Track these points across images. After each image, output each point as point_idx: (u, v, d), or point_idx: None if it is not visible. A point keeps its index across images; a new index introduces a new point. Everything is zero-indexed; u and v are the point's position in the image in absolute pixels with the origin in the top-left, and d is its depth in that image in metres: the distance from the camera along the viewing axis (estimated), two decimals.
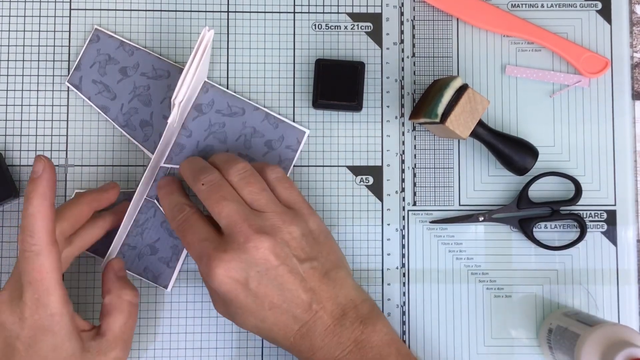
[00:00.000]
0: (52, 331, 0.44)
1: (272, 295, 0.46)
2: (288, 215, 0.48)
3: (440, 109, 0.51)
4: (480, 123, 0.53)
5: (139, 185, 0.52)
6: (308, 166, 0.56)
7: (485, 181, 0.57)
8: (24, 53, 0.56)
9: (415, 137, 0.57)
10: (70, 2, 0.57)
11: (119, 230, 0.52)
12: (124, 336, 0.48)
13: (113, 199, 0.52)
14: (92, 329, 0.48)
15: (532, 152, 0.54)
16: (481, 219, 0.56)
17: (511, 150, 0.53)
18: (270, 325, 0.47)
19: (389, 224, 0.56)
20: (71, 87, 0.55)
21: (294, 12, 0.57)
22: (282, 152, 0.55)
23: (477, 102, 0.51)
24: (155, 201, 0.54)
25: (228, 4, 0.57)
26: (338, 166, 0.56)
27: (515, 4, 0.58)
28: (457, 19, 0.57)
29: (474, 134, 0.53)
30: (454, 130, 0.51)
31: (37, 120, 0.56)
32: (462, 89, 0.51)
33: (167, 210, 0.51)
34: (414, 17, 0.57)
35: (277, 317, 0.46)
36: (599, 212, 0.56)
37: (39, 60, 0.56)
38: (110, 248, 0.52)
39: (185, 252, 0.54)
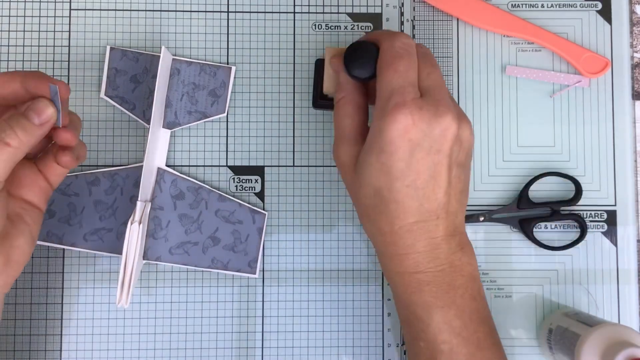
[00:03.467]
0: None
1: (420, 176, 0.43)
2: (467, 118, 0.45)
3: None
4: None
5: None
6: (308, 166, 0.56)
7: (485, 181, 0.57)
8: (23, 53, 0.56)
9: None
10: (70, 2, 0.57)
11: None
12: None
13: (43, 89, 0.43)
14: None
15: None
16: (481, 219, 0.56)
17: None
18: (390, 200, 0.43)
19: None
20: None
21: (294, 12, 0.57)
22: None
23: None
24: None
25: (228, 4, 0.57)
26: None
27: (515, 4, 0.58)
28: (457, 19, 0.57)
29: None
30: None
31: None
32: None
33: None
34: (414, 17, 0.57)
35: (404, 198, 0.43)
36: (599, 212, 0.56)
37: (38, 61, 0.56)
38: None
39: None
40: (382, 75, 0.44)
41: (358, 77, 0.47)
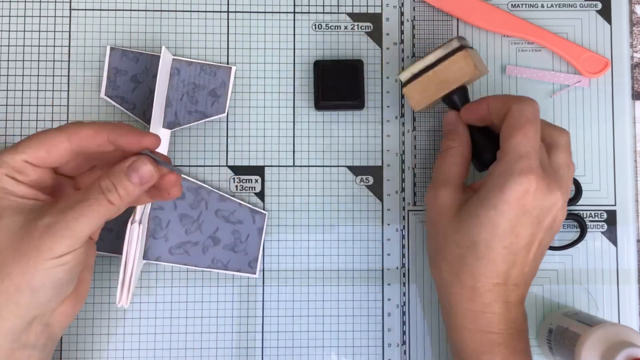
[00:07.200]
0: None
1: (519, 241, 0.44)
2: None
3: (406, 74, 0.51)
4: (461, 92, 0.51)
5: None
6: (308, 166, 0.56)
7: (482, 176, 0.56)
8: (24, 53, 0.56)
9: (415, 137, 0.57)
10: (70, 2, 0.57)
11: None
12: (70, 213, 0.40)
13: (135, 145, 0.43)
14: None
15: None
16: None
17: (483, 139, 0.50)
18: (483, 257, 0.45)
19: (389, 224, 0.56)
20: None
21: (294, 12, 0.57)
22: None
23: (462, 68, 0.50)
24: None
25: (228, 4, 0.57)
26: (338, 166, 0.56)
27: (515, 4, 0.58)
28: (457, 19, 0.57)
29: (450, 103, 0.52)
30: (408, 99, 0.52)
31: (37, 120, 0.56)
32: (457, 50, 0.50)
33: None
34: (414, 17, 0.57)
35: (497, 258, 0.45)
36: (599, 212, 0.56)
37: (39, 61, 0.56)
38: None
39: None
40: (511, 136, 0.45)
41: (485, 163, 0.50)
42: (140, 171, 0.42)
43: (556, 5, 0.58)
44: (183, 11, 0.57)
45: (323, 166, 0.56)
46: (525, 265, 0.46)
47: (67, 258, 0.40)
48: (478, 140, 0.50)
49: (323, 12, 0.57)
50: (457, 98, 0.51)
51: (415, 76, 0.51)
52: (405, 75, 0.52)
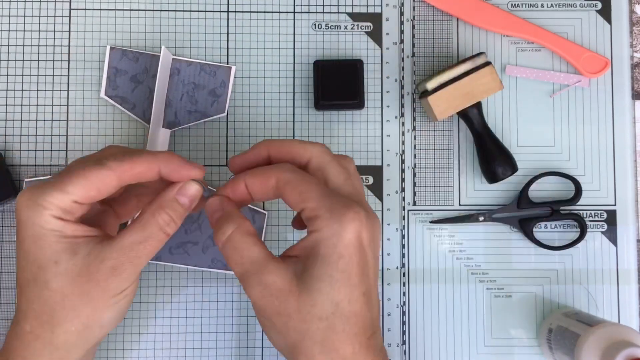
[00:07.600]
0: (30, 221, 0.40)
1: (370, 281, 0.41)
2: None
3: (434, 83, 0.53)
4: (478, 107, 0.54)
5: None
6: None
7: (485, 181, 0.56)
8: (23, 53, 0.56)
9: (415, 137, 0.57)
10: (70, 2, 0.57)
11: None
12: (132, 253, 0.41)
13: (184, 175, 0.43)
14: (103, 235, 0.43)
15: (511, 165, 0.54)
16: (481, 219, 0.56)
17: (496, 151, 0.54)
18: (351, 314, 0.40)
19: (389, 224, 0.56)
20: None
21: (294, 12, 0.57)
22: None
23: (489, 83, 0.52)
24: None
25: (228, 4, 0.57)
26: None
27: (515, 4, 0.58)
28: (457, 19, 0.57)
29: (464, 116, 0.54)
30: (432, 107, 0.53)
31: (37, 120, 0.56)
32: (484, 65, 0.53)
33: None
34: (414, 17, 0.57)
35: (362, 308, 0.41)
36: (599, 212, 0.56)
37: (38, 60, 0.56)
38: None
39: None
40: (306, 192, 0.41)
41: (496, 175, 0.54)
42: (189, 194, 0.43)
43: (556, 5, 0.58)
44: (183, 11, 0.57)
45: None
46: (377, 301, 0.42)
47: (130, 289, 0.42)
48: (488, 152, 0.54)
49: (323, 12, 0.57)
50: (474, 111, 0.53)
51: (440, 86, 0.52)
52: (432, 84, 0.52)
